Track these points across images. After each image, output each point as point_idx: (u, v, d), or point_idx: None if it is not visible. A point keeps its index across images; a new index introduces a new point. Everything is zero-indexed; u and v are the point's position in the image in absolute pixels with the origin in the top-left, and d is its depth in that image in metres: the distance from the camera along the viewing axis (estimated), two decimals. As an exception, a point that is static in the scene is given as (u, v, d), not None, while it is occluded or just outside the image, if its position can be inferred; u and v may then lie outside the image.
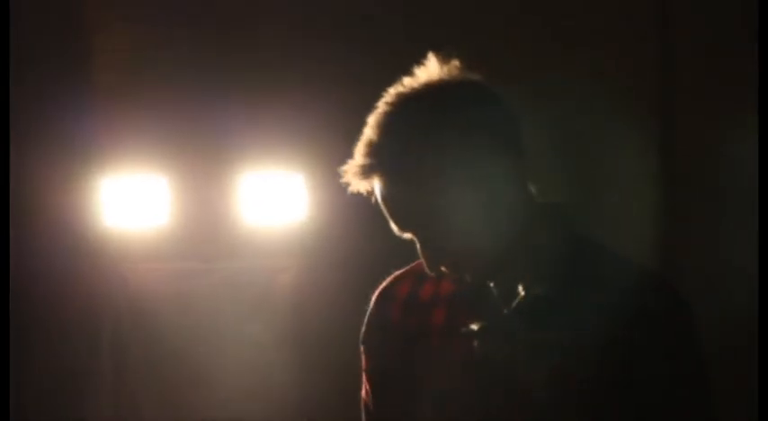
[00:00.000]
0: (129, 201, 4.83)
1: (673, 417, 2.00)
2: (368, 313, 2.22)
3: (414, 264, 2.19)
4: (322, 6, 4.83)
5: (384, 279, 2.23)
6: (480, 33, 4.68)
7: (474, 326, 1.99)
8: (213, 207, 4.89)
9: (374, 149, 1.99)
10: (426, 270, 2.03)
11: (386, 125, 1.99)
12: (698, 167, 4.85)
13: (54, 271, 4.77)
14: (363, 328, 2.22)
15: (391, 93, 2.02)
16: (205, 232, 4.91)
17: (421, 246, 2.02)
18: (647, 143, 4.84)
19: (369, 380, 2.20)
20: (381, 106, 2.01)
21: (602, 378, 1.98)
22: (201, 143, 4.85)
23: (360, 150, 2.00)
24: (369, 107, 2.01)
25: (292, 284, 4.95)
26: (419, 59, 2.05)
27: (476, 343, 1.99)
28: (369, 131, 2.00)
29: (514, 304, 2.01)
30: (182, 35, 4.84)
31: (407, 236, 2.03)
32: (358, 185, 2.01)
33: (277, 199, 4.90)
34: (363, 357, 2.21)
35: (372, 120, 2.01)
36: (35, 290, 4.63)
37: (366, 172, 1.99)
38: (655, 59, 4.88)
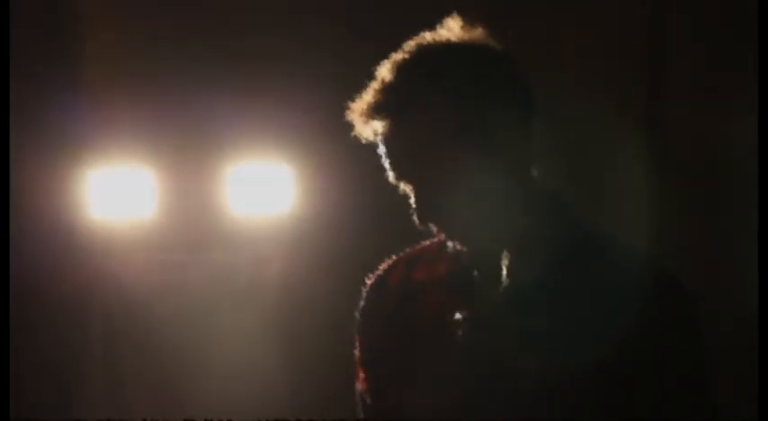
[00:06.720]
0: (116, 193, 4.84)
1: (670, 415, 1.93)
2: (361, 302, 2.16)
3: (407, 250, 2.14)
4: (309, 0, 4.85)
5: (376, 268, 2.16)
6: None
7: (458, 315, 1.95)
8: (200, 198, 4.90)
9: (385, 89, 1.96)
10: (416, 222, 1.98)
11: (401, 69, 1.96)
12: (696, 165, 4.86)
13: (41, 263, 4.77)
14: (357, 318, 2.16)
15: (411, 43, 2.00)
16: (192, 224, 4.92)
17: (413, 195, 1.97)
18: (643, 142, 4.84)
19: (364, 370, 2.14)
20: (399, 53, 1.99)
21: (596, 370, 1.92)
22: (188, 135, 4.86)
23: (369, 90, 1.97)
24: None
25: (279, 275, 4.96)
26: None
27: (460, 331, 1.95)
28: (381, 73, 1.97)
29: (501, 290, 1.96)
30: (168, 28, 4.85)
31: (402, 185, 1.99)
32: (362, 127, 1.97)
33: (263, 190, 4.91)
34: (358, 347, 2.15)
35: (387, 64, 1.98)
36: (22, 282, 4.63)
37: (373, 111, 1.96)
38: (647, 56, 4.90)
